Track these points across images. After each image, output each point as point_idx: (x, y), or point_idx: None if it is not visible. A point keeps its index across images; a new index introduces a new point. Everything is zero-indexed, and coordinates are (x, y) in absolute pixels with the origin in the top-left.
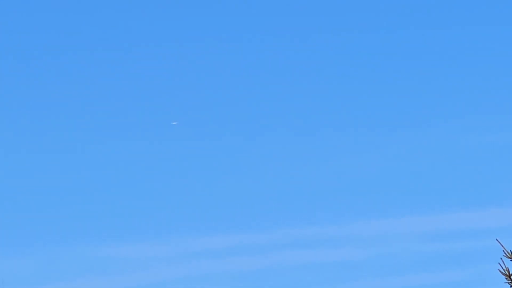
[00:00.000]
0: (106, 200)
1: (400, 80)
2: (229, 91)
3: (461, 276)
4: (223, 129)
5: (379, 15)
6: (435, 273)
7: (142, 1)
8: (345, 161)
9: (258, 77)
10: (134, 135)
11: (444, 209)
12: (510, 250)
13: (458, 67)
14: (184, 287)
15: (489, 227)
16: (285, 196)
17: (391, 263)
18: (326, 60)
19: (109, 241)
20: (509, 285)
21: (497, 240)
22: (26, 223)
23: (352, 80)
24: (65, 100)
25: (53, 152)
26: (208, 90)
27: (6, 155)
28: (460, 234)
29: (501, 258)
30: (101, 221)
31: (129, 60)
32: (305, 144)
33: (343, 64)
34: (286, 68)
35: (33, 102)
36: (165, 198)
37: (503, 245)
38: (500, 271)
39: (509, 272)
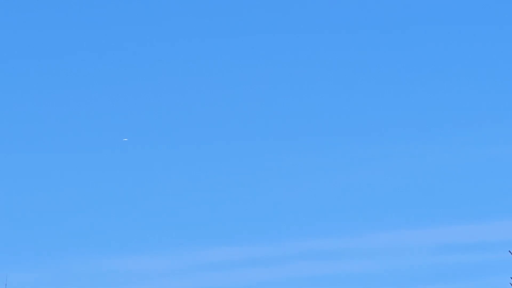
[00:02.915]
0: (112, 213)
1: (411, 95)
2: (244, 104)
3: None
4: (238, 146)
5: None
6: (447, 285)
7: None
8: (357, 175)
9: (264, 88)
10: (141, 146)
11: (456, 221)
12: None
13: (465, 81)
14: None
15: (502, 240)
16: (297, 208)
17: (403, 275)
18: (330, 74)
19: (114, 254)
20: None
21: (510, 252)
22: (32, 236)
23: (363, 94)
24: (68, 101)
25: (58, 162)
26: (218, 101)
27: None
28: (472, 246)
29: None
30: (106, 234)
31: (130, 60)
32: (316, 157)
33: (345, 78)
34: (288, 84)
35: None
36: (174, 211)
37: None
38: None
39: None
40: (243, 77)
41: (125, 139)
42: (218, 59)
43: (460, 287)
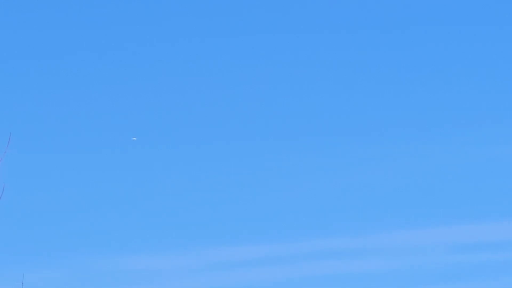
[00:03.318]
0: (126, 212)
1: (411, 95)
2: (244, 104)
3: (496, 287)
4: (252, 144)
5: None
6: (462, 285)
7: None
8: (359, 175)
9: (274, 87)
10: (152, 144)
11: (472, 219)
12: None
13: (465, 81)
14: None
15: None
16: (311, 206)
17: (418, 274)
18: (330, 74)
19: (130, 253)
20: None
21: None
22: (47, 235)
23: (363, 94)
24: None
25: (72, 161)
26: (235, 102)
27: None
28: (488, 245)
29: None
30: (122, 232)
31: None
32: (331, 156)
33: (345, 78)
34: (288, 84)
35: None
36: (188, 209)
37: None
38: None
39: None
40: (243, 77)
41: (134, 138)
42: (218, 59)
43: (475, 286)
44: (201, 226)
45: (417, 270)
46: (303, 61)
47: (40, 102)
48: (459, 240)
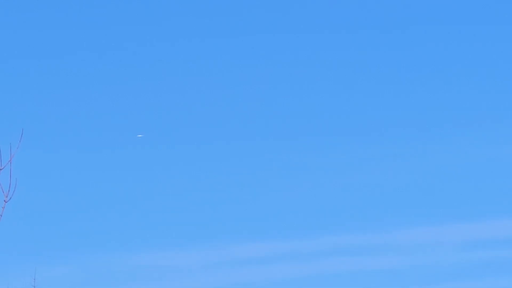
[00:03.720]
0: (127, 211)
1: (411, 95)
2: (244, 104)
3: (506, 285)
4: (252, 144)
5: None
6: (479, 281)
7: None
8: (362, 175)
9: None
10: (152, 144)
11: (488, 216)
12: None
13: (465, 81)
14: None
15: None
16: (312, 207)
17: (435, 271)
18: (330, 74)
19: (131, 252)
20: None
21: None
22: (62, 230)
23: (363, 94)
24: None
25: (85, 158)
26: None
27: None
28: (504, 241)
29: None
30: (122, 232)
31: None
32: (331, 156)
33: (345, 78)
34: (288, 84)
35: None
36: (207, 204)
37: None
38: None
39: None
40: (243, 77)
41: (140, 135)
42: (218, 59)
43: (492, 283)
44: (201, 226)
45: (423, 268)
46: (303, 61)
47: (40, 102)
48: (476, 236)
